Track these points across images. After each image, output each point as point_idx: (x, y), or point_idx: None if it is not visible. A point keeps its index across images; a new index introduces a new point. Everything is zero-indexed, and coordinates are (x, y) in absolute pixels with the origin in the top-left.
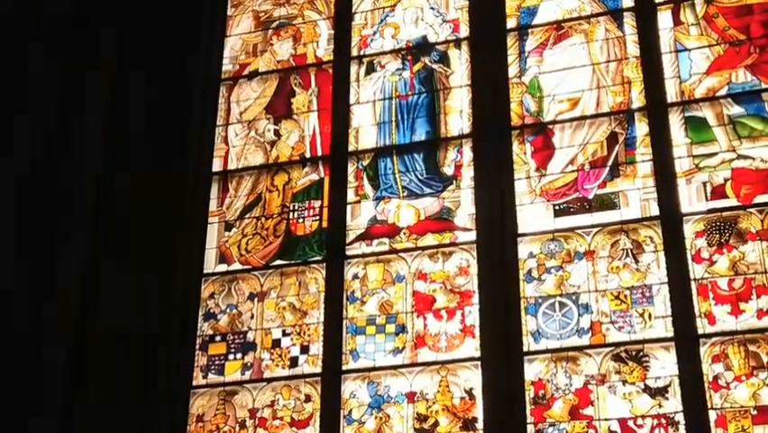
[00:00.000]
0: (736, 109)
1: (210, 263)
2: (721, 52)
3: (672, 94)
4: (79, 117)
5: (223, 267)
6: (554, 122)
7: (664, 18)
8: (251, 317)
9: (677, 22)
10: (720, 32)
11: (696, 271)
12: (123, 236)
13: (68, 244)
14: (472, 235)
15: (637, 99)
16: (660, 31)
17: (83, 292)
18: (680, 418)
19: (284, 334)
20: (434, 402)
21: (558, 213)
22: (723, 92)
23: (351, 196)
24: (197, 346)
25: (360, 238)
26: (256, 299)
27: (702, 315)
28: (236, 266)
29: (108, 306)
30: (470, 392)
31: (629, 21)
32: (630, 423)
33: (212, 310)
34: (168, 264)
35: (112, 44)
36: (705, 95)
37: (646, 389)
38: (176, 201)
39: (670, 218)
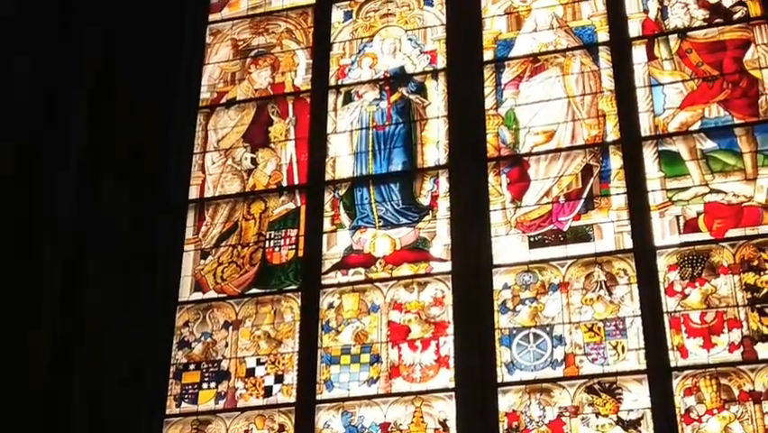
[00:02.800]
0: (709, 144)
1: (185, 291)
2: (694, 87)
3: (645, 128)
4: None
5: (198, 295)
6: (530, 154)
7: (639, 53)
8: (226, 345)
9: (651, 56)
10: (694, 67)
11: (669, 304)
12: (99, 262)
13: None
14: (448, 266)
15: (612, 132)
16: (634, 65)
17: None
18: None
19: (258, 363)
20: None
21: (533, 244)
22: (696, 127)
23: (327, 225)
24: (171, 375)
25: (335, 267)
26: (231, 328)
27: (675, 348)
28: (211, 294)
29: (83, 336)
30: (444, 423)
31: (604, 55)
32: None
33: (186, 339)
34: (143, 291)
35: (94, 67)
36: (678, 129)
37: (619, 421)
38: (151, 228)
39: (643, 251)
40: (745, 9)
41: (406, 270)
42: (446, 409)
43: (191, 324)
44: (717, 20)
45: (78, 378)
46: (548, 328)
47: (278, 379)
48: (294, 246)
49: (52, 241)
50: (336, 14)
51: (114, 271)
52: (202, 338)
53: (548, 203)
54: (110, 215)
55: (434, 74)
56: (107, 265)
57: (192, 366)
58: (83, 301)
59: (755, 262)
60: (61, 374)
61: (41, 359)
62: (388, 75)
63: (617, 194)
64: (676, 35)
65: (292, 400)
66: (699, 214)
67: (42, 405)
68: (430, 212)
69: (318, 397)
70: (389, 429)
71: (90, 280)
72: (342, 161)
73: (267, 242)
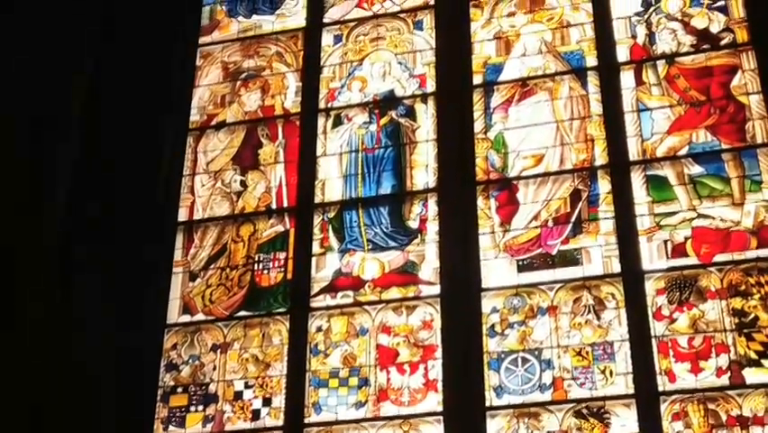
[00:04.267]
0: (697, 169)
1: (173, 314)
2: (682, 113)
3: (634, 152)
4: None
5: (186, 318)
6: (519, 177)
7: (627, 78)
8: (214, 368)
9: (639, 82)
10: (681, 92)
11: (657, 328)
12: (86, 283)
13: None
14: (436, 289)
15: (600, 157)
16: (623, 90)
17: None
18: None
19: (246, 386)
20: None
21: (521, 268)
22: (684, 152)
23: (316, 248)
24: (158, 398)
25: (324, 290)
26: (219, 351)
27: (663, 372)
28: (200, 317)
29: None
30: None
31: (593, 80)
32: None
33: (174, 361)
34: (131, 314)
35: (82, 92)
36: (666, 154)
37: None
38: (140, 250)
39: (631, 275)
40: (732, 35)
41: (394, 293)
42: (435, 432)
43: (179, 346)
44: (705, 46)
45: (65, 399)
46: (536, 352)
47: (266, 402)
48: (283, 269)
49: (40, 260)
50: (326, 38)
51: (103, 292)
52: (190, 361)
53: (537, 227)
54: (99, 235)
55: (424, 98)
56: (95, 286)
57: (180, 389)
58: (69, 324)
59: (743, 287)
60: (47, 390)
61: (25, 373)
62: (378, 98)
63: (606, 218)
64: (664, 61)
65: (280, 423)
66: (686, 238)
67: (28, 420)
68: (419, 235)
69: (306, 420)
70: None
71: (76, 301)
72: (331, 183)
73: (256, 264)
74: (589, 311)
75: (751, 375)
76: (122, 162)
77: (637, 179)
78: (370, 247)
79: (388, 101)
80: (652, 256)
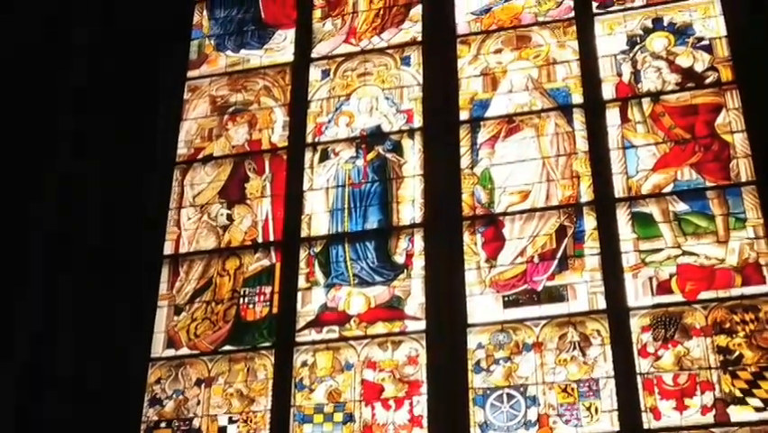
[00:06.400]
0: (682, 206)
1: (158, 347)
2: (667, 150)
3: (619, 189)
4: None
5: (171, 351)
6: (505, 213)
7: (612, 115)
8: (198, 403)
9: (625, 119)
10: (666, 130)
11: (642, 365)
12: (70, 316)
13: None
14: (422, 325)
15: (586, 194)
16: (608, 127)
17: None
18: None
19: (230, 421)
20: None
21: (507, 304)
22: (669, 189)
23: (302, 282)
24: (142, 432)
25: (310, 325)
26: (203, 385)
27: (648, 409)
28: (184, 351)
29: (51, 391)
30: None
31: (578, 117)
32: None
33: (158, 396)
34: (116, 346)
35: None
36: (651, 191)
37: None
38: (125, 284)
39: (616, 312)
40: (717, 74)
41: (380, 328)
42: None
43: (163, 381)
44: (690, 84)
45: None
46: (522, 389)
47: None
48: (268, 303)
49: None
50: (314, 73)
51: (87, 325)
52: (174, 395)
53: (522, 263)
54: (84, 271)
55: (411, 133)
56: (80, 319)
57: (163, 424)
58: (54, 356)
59: (727, 325)
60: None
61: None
62: (365, 133)
63: (591, 255)
64: (649, 98)
65: None
66: (671, 276)
67: None
68: (405, 270)
69: None
70: None
71: (62, 333)
72: (317, 218)
73: (241, 298)
74: (575, 348)
75: (736, 413)
76: (108, 193)
77: (623, 216)
78: (356, 282)
79: (375, 136)
80: (637, 293)
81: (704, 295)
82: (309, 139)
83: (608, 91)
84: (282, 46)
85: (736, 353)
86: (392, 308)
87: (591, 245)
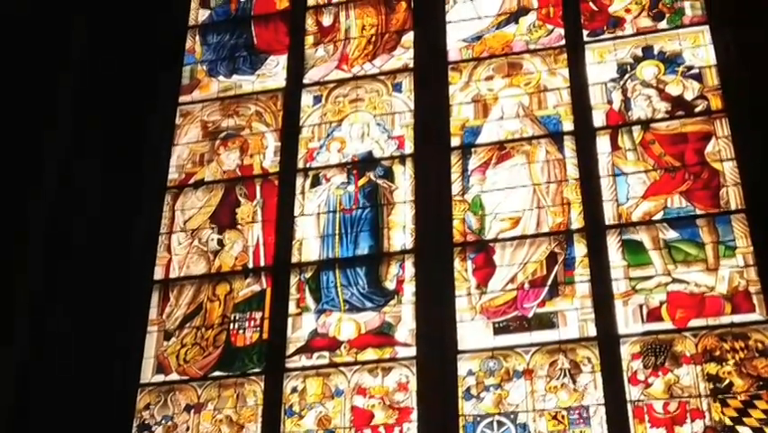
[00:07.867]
0: (672, 234)
1: (147, 373)
2: (657, 178)
3: (609, 216)
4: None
5: (160, 377)
6: (496, 240)
7: (603, 143)
8: (187, 429)
9: (615, 147)
10: (656, 158)
11: (632, 393)
12: (58, 342)
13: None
14: (412, 351)
15: (576, 220)
16: (599, 155)
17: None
18: None
19: None
20: None
21: (498, 331)
22: (659, 216)
23: (292, 308)
24: None
25: (300, 351)
26: (192, 411)
27: None
28: (174, 376)
29: (40, 415)
30: None
31: (569, 144)
32: None
33: (146, 422)
34: (103, 373)
35: (62, 146)
36: (641, 218)
37: None
38: (115, 309)
39: (607, 339)
40: (707, 102)
41: (370, 354)
42: None
43: (152, 406)
44: (680, 112)
45: None
46: (512, 416)
47: None
48: (258, 329)
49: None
50: (306, 98)
51: (76, 352)
52: (163, 421)
53: (513, 289)
54: (73, 293)
55: (402, 159)
56: (67, 346)
57: None
58: (44, 382)
59: (717, 353)
60: None
61: None
62: (357, 159)
63: (582, 282)
64: (639, 126)
65: None
66: (661, 303)
67: None
68: (395, 297)
69: None
70: None
71: (49, 359)
72: (308, 243)
73: (231, 324)
74: (565, 375)
75: None
76: (98, 218)
77: (613, 243)
78: (346, 308)
79: (366, 162)
80: (627, 320)
81: (694, 323)
82: (300, 164)
83: (598, 119)
84: (274, 72)
85: (726, 381)
86: (383, 335)
87: (582, 272)
